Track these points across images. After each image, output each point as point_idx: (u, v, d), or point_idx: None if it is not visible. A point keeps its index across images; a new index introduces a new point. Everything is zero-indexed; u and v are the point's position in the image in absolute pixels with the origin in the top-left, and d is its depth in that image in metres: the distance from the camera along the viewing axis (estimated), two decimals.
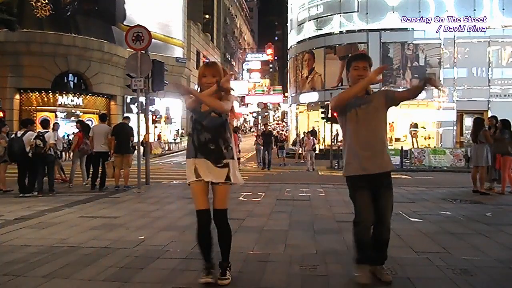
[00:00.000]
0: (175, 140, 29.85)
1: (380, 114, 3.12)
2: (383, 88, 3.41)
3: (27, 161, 8.13)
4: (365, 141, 3.04)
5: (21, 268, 3.52)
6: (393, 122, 21.79)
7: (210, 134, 3.06)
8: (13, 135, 8.46)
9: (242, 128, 53.69)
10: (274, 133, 22.34)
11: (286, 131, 37.57)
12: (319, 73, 24.97)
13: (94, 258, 3.76)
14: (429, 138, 22.64)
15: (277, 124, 68.06)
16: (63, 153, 16.06)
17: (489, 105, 21.13)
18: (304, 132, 19.41)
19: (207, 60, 39.53)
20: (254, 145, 22.48)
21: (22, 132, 8.31)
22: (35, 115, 21.26)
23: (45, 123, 8.99)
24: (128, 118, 9.95)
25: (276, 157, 23.56)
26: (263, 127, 22.21)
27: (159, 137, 27.57)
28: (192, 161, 3.09)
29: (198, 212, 3.10)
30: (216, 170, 3.07)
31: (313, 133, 21.93)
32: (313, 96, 25.20)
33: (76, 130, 11.88)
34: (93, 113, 23.01)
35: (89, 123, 20.23)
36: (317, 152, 20.18)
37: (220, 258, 3.15)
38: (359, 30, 23.11)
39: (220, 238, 3.14)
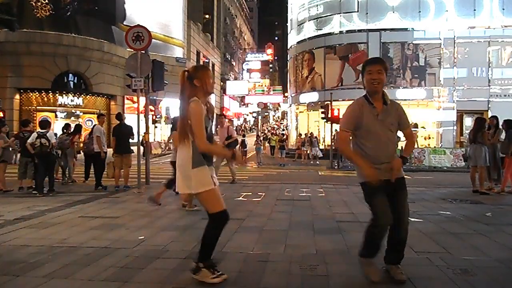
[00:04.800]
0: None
1: (395, 126, 3.21)
2: (396, 100, 3.45)
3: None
4: (384, 151, 3.13)
5: (21, 268, 3.52)
6: None
7: (209, 139, 3.16)
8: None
9: (242, 128, 53.61)
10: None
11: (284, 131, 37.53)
12: (319, 73, 24.97)
13: (94, 258, 3.76)
14: (429, 138, 22.64)
15: (277, 123, 68.04)
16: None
17: (489, 105, 21.14)
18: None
19: (207, 60, 39.56)
20: (254, 145, 22.52)
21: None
22: (35, 115, 21.26)
23: (44, 123, 8.93)
24: (120, 114, 9.84)
25: (277, 157, 23.67)
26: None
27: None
28: (206, 169, 3.13)
29: (226, 211, 3.16)
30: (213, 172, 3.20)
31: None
32: (313, 96, 25.21)
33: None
34: (93, 113, 22.98)
35: (89, 122, 20.21)
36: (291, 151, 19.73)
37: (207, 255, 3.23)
38: (359, 30, 23.12)
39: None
